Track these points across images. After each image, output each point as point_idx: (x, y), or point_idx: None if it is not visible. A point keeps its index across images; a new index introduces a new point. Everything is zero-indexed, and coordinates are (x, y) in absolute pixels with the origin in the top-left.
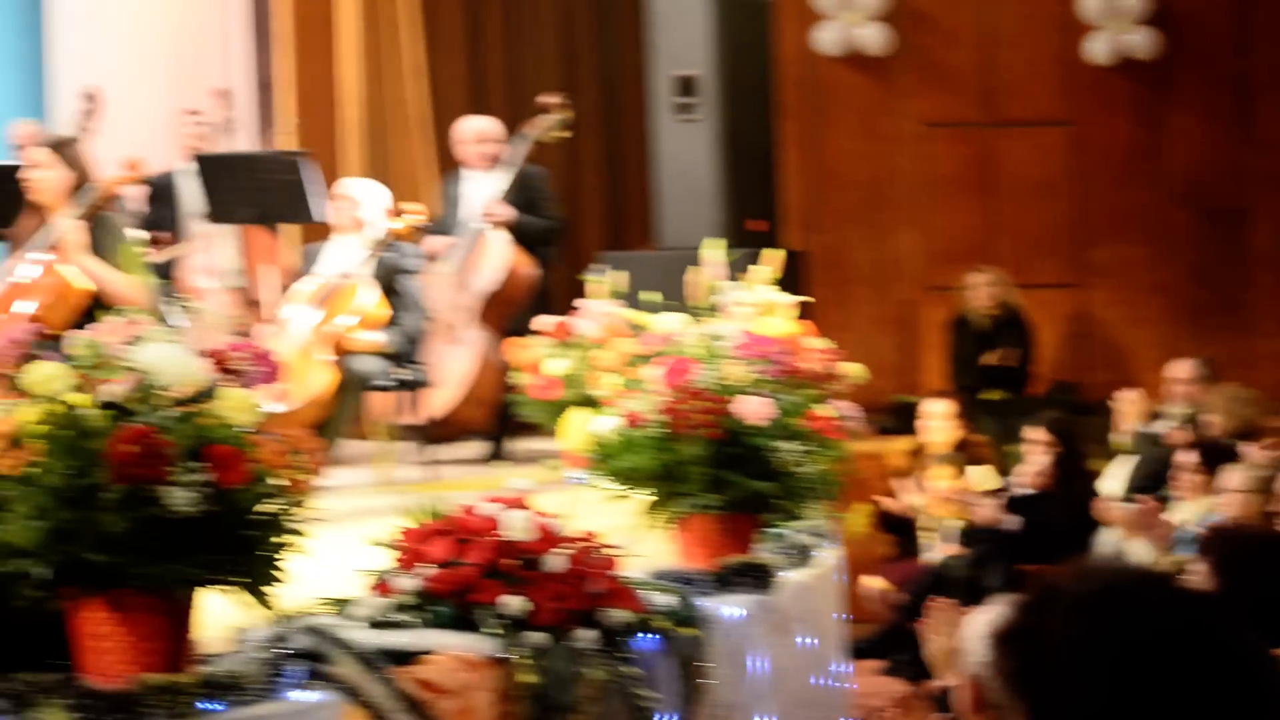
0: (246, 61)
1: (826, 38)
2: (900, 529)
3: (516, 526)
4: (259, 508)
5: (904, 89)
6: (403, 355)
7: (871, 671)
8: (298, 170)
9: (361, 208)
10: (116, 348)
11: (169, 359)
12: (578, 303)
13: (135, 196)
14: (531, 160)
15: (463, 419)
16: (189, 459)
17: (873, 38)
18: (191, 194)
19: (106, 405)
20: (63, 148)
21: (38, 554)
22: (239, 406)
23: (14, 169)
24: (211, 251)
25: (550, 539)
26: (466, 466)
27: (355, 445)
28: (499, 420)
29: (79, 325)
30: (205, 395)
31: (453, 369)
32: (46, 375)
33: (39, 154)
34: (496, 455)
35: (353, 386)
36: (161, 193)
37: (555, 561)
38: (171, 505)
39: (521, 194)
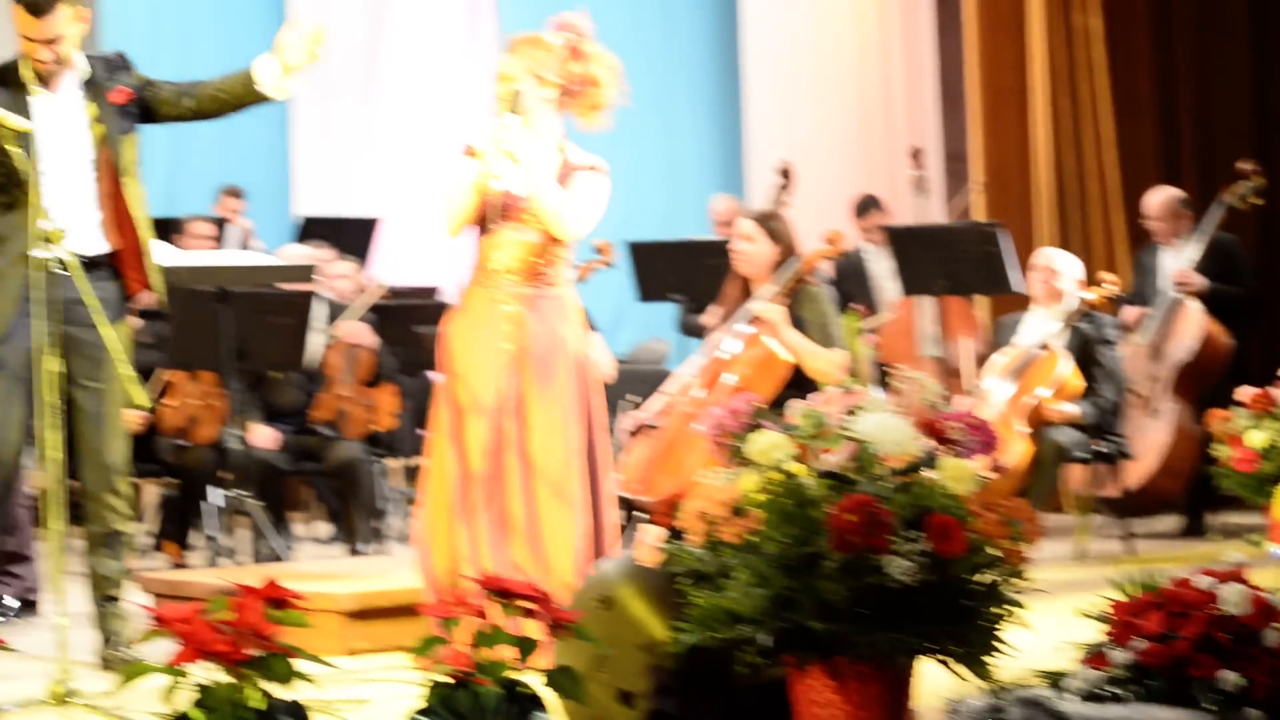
0: (937, 132)
1: None
2: None
3: (1232, 600)
4: (977, 577)
5: None
6: (1100, 427)
7: None
8: (996, 241)
9: (1059, 278)
10: (836, 418)
11: (887, 428)
12: (1279, 373)
13: (824, 271)
14: (1225, 228)
15: (1158, 491)
16: (908, 528)
17: None
18: (878, 269)
19: (825, 474)
20: (768, 221)
21: (759, 621)
22: (958, 476)
23: (720, 244)
24: (913, 322)
25: (1266, 613)
26: (1162, 540)
27: (1051, 518)
28: (1195, 493)
29: (781, 398)
30: (923, 464)
31: (1148, 440)
32: (768, 445)
33: (746, 226)
34: (1193, 529)
35: (1050, 458)
36: (848, 268)
37: (1272, 636)
38: (892, 574)
39: (1216, 262)
